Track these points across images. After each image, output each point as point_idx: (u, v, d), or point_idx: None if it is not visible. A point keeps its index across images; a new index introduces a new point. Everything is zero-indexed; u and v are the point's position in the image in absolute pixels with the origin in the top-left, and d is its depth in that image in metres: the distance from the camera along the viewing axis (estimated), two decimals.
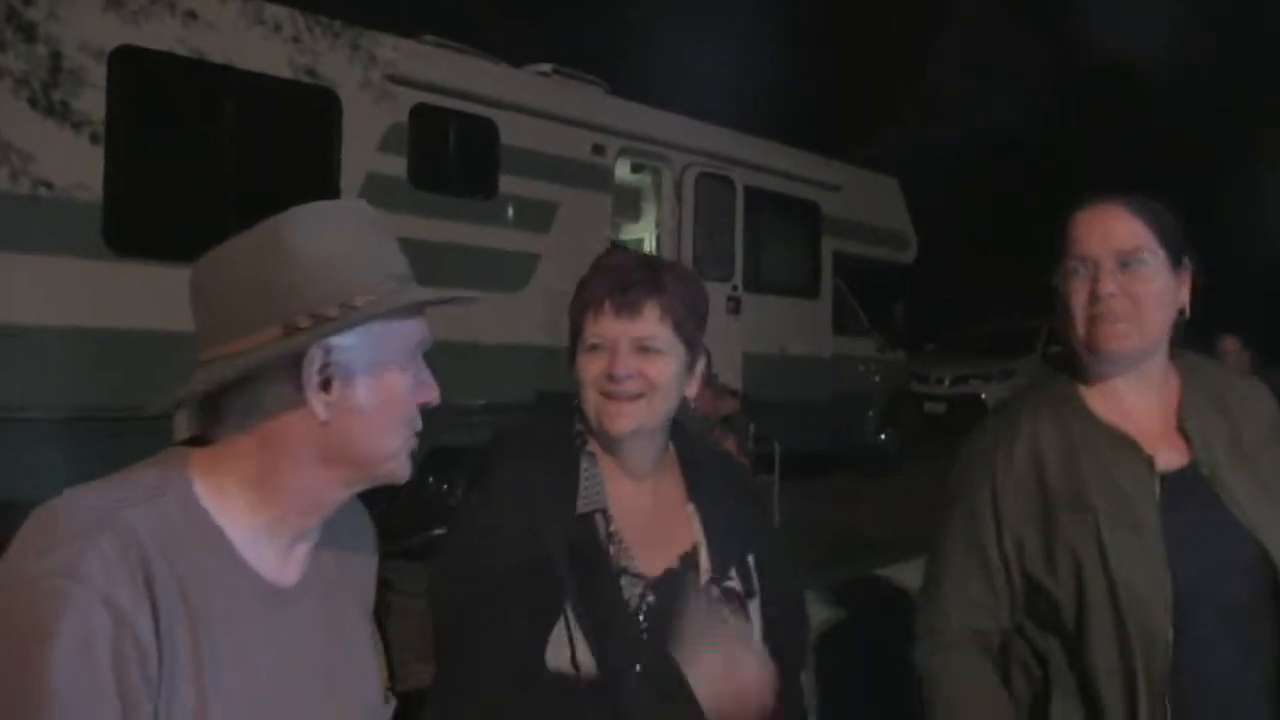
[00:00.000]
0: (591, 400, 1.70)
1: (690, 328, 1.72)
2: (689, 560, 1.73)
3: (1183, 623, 1.67)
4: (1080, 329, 1.81)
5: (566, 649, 1.57)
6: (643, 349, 1.67)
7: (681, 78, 14.25)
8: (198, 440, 1.22)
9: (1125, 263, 1.77)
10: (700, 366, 1.77)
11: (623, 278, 1.69)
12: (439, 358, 1.29)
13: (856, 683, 2.00)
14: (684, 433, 1.86)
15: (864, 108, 19.42)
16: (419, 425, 1.26)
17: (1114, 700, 1.70)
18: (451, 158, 8.21)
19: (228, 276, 1.18)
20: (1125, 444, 1.79)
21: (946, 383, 16.28)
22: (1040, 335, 15.40)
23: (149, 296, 6.09)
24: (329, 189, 7.17)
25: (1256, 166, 16.98)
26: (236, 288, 1.17)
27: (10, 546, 1.06)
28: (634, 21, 16.91)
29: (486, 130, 8.31)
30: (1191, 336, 1.89)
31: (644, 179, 10.66)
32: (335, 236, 1.20)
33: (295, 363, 1.15)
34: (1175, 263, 1.81)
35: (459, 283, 6.75)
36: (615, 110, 9.69)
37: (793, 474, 9.20)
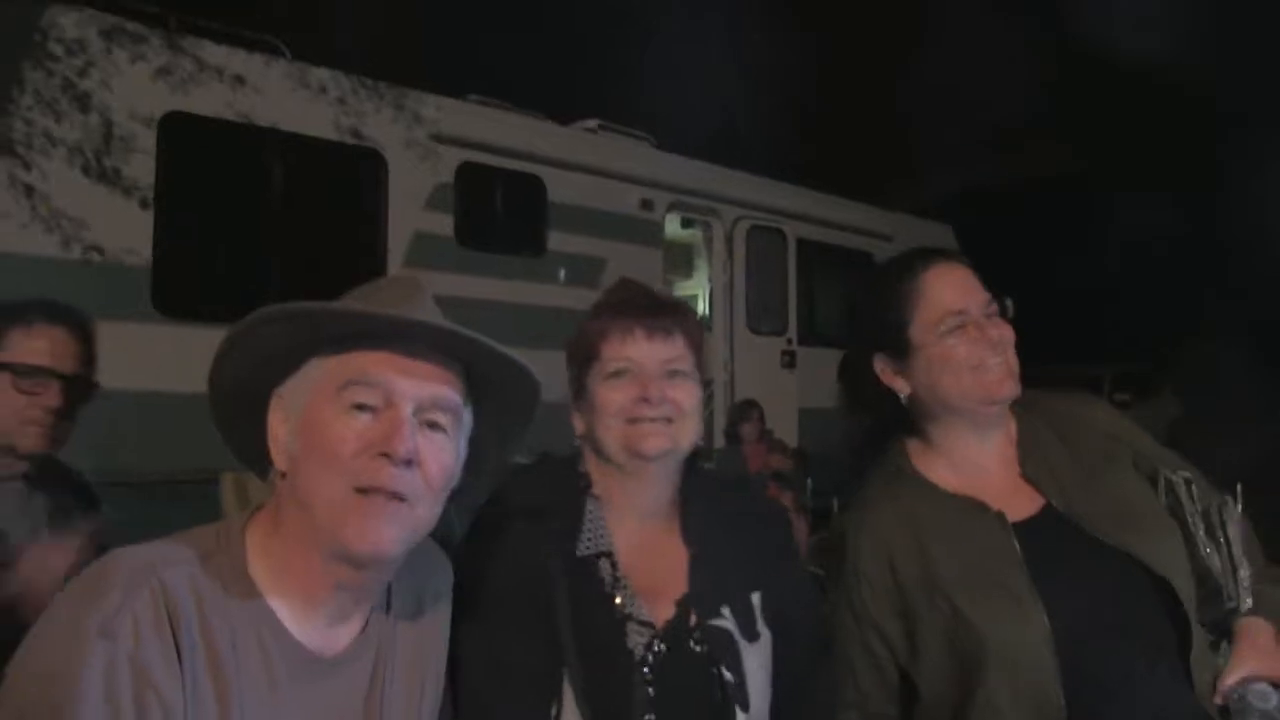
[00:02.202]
0: (614, 430, 1.60)
1: (702, 361, 1.68)
2: (683, 604, 1.62)
3: (1072, 663, 1.59)
4: (967, 382, 1.75)
5: (554, 705, 1.46)
6: (671, 374, 1.61)
7: (731, 130, 14.23)
8: None
9: (989, 314, 1.78)
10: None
11: (650, 303, 1.64)
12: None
13: None
14: (695, 471, 1.75)
15: (915, 154, 19.25)
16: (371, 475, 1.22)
17: None
18: (499, 215, 8.19)
19: None
20: (972, 508, 1.74)
21: None
22: (1103, 383, 14.95)
23: (198, 359, 6.00)
24: (376, 249, 7.18)
25: None
26: None
27: (72, 584, 1.15)
28: (682, 76, 17.00)
29: (533, 187, 8.29)
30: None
31: (694, 233, 10.59)
32: None
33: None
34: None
35: (509, 341, 6.64)
36: (663, 164, 9.64)
37: None
